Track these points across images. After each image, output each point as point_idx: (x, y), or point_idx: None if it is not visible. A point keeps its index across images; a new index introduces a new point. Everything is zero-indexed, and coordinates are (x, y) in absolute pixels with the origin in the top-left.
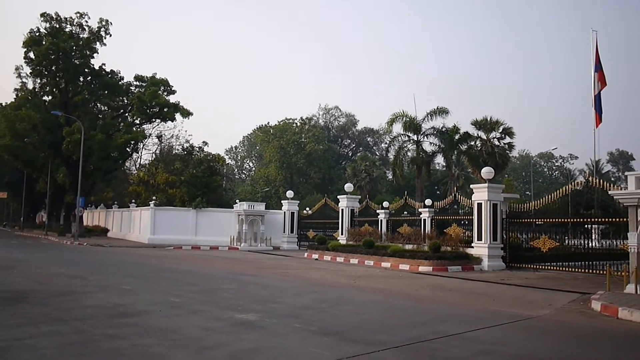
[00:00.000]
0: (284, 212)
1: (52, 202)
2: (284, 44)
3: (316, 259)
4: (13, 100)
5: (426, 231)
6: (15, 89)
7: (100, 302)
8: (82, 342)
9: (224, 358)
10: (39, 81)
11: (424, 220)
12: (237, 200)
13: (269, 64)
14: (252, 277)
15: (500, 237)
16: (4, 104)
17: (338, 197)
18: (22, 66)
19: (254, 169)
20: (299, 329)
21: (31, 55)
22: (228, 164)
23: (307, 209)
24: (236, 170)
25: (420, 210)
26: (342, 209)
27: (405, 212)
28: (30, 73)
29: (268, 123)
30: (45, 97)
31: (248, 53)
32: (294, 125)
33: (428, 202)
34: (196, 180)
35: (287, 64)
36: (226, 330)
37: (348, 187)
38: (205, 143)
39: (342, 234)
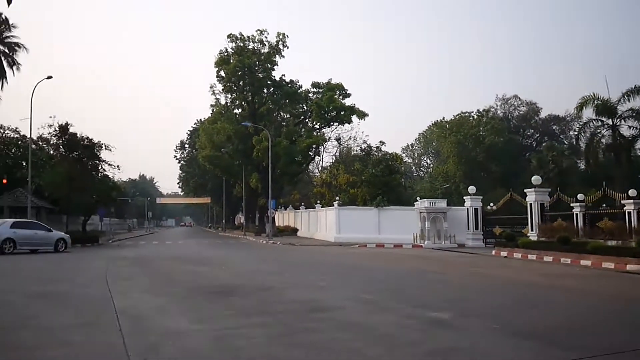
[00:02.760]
0: (467, 209)
1: (247, 205)
2: (457, 36)
3: (505, 257)
4: (209, 115)
5: (632, 225)
6: (211, 105)
7: (298, 297)
8: (287, 334)
9: (420, 356)
10: (229, 96)
11: (629, 213)
12: (418, 198)
13: (441, 58)
14: (440, 275)
15: None
16: (202, 120)
17: (525, 190)
18: (215, 84)
19: (431, 165)
20: (495, 329)
21: (222, 73)
22: (405, 161)
23: (491, 204)
24: (413, 167)
25: (622, 202)
26: (531, 204)
27: (604, 205)
28: (222, 90)
29: (443, 118)
30: (235, 110)
31: (419, 50)
32: (471, 118)
33: (632, 192)
34: (376, 180)
35: (461, 56)
36: (420, 328)
37: (535, 179)
38: (382, 142)
39: (532, 229)
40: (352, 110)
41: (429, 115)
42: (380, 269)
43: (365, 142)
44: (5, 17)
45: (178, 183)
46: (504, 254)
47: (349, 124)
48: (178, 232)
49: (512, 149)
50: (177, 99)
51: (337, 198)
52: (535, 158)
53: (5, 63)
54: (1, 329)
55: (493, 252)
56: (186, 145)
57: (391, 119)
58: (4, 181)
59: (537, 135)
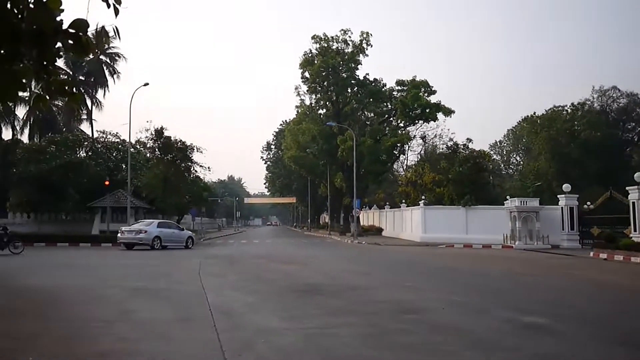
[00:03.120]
0: (561, 208)
1: (332, 205)
2: (548, 27)
3: (604, 259)
4: (295, 116)
5: None
6: (296, 106)
7: (386, 298)
8: (377, 335)
9: None
10: (314, 97)
11: None
12: (507, 197)
13: (531, 50)
14: (533, 277)
15: None
16: (288, 121)
17: (627, 188)
18: (299, 85)
19: (521, 163)
20: (599, 337)
21: (306, 74)
22: (494, 159)
23: (588, 203)
24: (502, 165)
25: None
26: (634, 202)
27: None
28: (307, 90)
29: (534, 113)
30: (320, 111)
31: (507, 42)
32: (564, 112)
33: None
34: (463, 178)
35: (552, 48)
36: (515, 332)
37: (639, 176)
38: (469, 140)
39: (635, 230)
40: (438, 107)
41: (519, 111)
42: (469, 270)
43: (451, 139)
44: (116, 27)
45: (264, 183)
46: (603, 256)
47: (435, 121)
48: (265, 232)
49: (610, 144)
50: (264, 100)
51: (423, 197)
52: (637, 153)
53: (107, 72)
54: (105, 322)
55: (591, 254)
56: (272, 146)
57: (478, 116)
58: (107, 183)
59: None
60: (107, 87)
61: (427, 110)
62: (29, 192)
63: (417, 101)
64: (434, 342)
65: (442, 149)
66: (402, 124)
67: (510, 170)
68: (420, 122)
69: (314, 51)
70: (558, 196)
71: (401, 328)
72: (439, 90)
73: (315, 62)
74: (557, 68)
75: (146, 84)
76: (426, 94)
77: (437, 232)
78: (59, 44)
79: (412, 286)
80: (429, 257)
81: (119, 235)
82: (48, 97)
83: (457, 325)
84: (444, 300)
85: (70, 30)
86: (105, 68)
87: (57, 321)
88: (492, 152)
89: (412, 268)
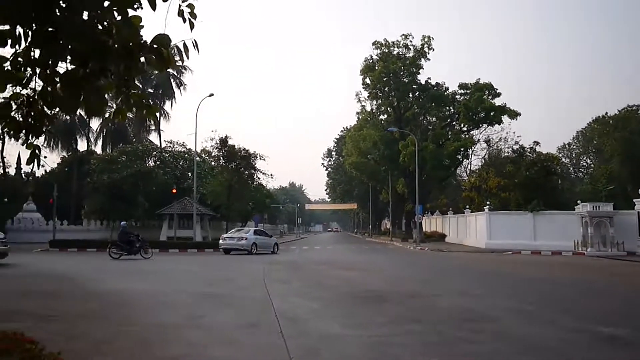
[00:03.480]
0: (637, 212)
1: (394, 211)
2: (618, 21)
3: None
4: (355, 122)
5: None
6: (357, 113)
7: (449, 305)
8: (441, 343)
9: None
10: (375, 103)
11: None
12: (578, 201)
13: (601, 48)
14: (608, 286)
15: None
16: (349, 127)
17: None
18: (360, 92)
19: (592, 166)
20: None
21: (367, 81)
22: (562, 162)
23: None
24: (571, 168)
25: None
26: None
27: None
28: (368, 97)
29: (606, 114)
30: (381, 117)
31: (575, 41)
32: (639, 112)
33: None
34: (530, 182)
35: (624, 44)
36: (591, 344)
37: None
38: (536, 143)
39: None
40: (503, 110)
41: (589, 112)
42: (538, 277)
43: (517, 142)
44: (195, 41)
45: (325, 190)
46: None
47: (499, 124)
48: (326, 238)
49: None
50: (325, 107)
51: (488, 202)
52: None
53: (174, 85)
54: (175, 326)
55: None
56: (333, 153)
57: (545, 118)
58: (174, 191)
59: None
60: (174, 98)
61: (492, 114)
62: (102, 200)
63: (481, 104)
64: (502, 352)
65: (508, 152)
66: (465, 128)
67: (580, 174)
68: (485, 125)
69: (374, 57)
70: (634, 200)
71: (468, 337)
72: (504, 92)
73: (376, 67)
74: (630, 66)
75: (211, 95)
76: (490, 97)
77: (502, 238)
78: (142, 59)
79: (477, 294)
80: (494, 264)
81: (220, 241)
82: (126, 109)
83: (525, 334)
84: (512, 309)
85: (154, 46)
86: (172, 80)
87: (130, 325)
88: (560, 155)
89: (478, 275)
